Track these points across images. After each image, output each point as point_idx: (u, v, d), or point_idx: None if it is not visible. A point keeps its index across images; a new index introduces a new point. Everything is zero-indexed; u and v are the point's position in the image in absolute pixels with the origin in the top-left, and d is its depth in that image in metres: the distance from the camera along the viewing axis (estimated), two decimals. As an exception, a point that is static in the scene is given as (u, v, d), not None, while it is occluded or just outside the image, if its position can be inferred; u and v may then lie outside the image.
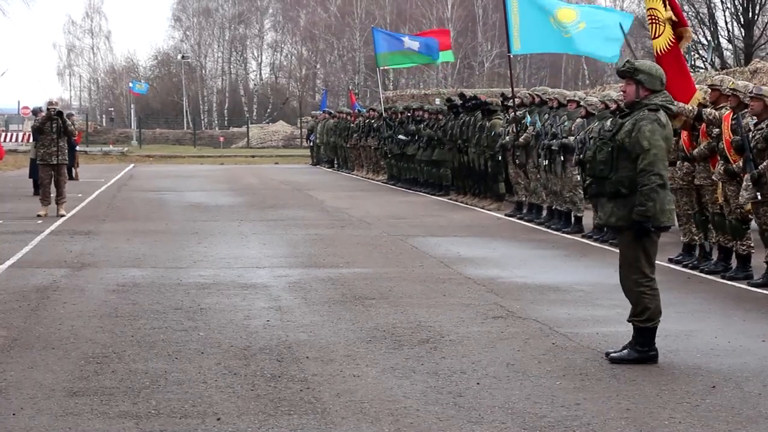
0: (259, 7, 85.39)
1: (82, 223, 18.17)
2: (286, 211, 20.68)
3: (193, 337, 8.83)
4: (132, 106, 74.79)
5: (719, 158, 11.80)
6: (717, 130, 11.78)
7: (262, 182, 30.59)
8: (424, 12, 73.92)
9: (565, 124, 16.42)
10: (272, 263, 13.26)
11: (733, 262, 12.11)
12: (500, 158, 19.83)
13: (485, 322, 9.47)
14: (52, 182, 19.57)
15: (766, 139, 11.09)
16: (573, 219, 16.66)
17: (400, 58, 30.80)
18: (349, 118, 34.75)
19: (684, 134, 12.29)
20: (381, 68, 33.86)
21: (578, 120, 15.83)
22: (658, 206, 7.85)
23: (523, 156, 18.13)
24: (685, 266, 12.75)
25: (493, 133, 19.94)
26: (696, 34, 46.04)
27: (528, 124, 17.82)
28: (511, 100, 18.83)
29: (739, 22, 48.93)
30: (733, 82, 11.86)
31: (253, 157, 50.88)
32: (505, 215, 19.20)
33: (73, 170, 28.49)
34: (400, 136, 26.38)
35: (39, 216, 18.99)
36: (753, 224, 11.87)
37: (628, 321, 8.09)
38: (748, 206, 11.42)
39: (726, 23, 51.40)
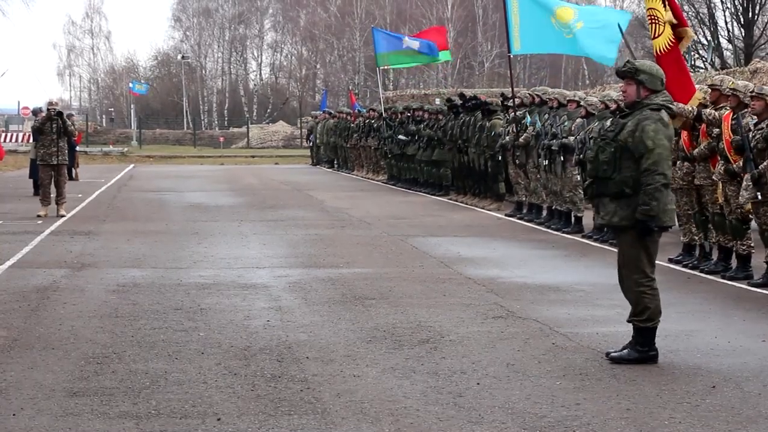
0: (259, 7, 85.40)
1: (82, 223, 18.17)
2: (286, 211, 20.68)
3: (194, 337, 8.83)
4: (132, 106, 74.80)
5: (719, 158, 11.80)
6: (717, 130, 11.78)
7: (262, 182, 30.59)
8: (424, 12, 73.93)
9: (565, 124, 16.42)
10: (272, 263, 13.26)
11: (733, 262, 12.11)
12: (500, 158, 19.83)
13: (485, 322, 9.48)
14: (52, 182, 19.57)
15: (766, 138, 11.09)
16: (573, 219, 16.66)
17: (401, 58, 30.80)
18: (349, 118, 34.75)
19: (684, 134, 12.29)
20: (381, 68, 33.87)
21: (578, 120, 15.83)
22: (662, 206, 7.86)
23: (523, 156, 18.13)
24: (685, 266, 12.75)
25: (493, 133, 19.94)
26: (696, 34, 46.02)
27: (528, 124, 17.82)
28: (511, 100, 18.83)
29: (739, 22, 48.96)
30: (733, 82, 11.86)
31: (253, 157, 50.89)
32: (505, 215, 19.20)
33: (73, 171, 28.50)
34: (400, 136, 26.38)
35: (39, 216, 18.99)
36: (753, 224, 11.87)
37: (628, 321, 8.09)
38: (748, 206, 11.42)
39: (726, 23, 51.48)
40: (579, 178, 15.31)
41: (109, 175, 33.53)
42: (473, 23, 75.38)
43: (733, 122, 11.45)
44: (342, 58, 79.87)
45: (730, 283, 11.70)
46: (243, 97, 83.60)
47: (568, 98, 16.98)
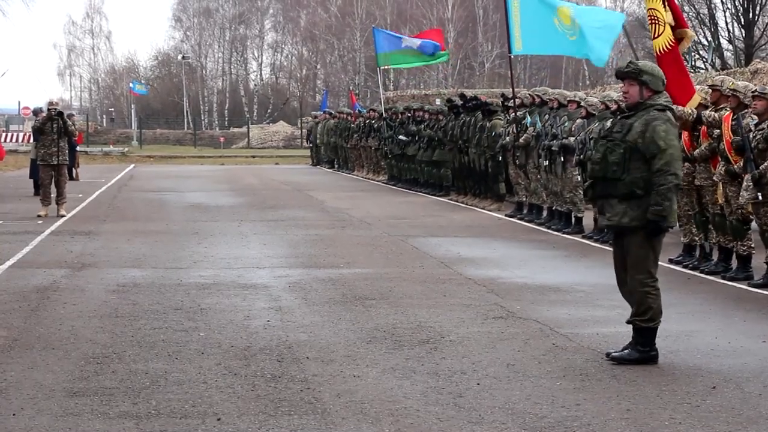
0: (259, 7, 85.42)
1: (82, 223, 18.17)
2: (287, 211, 20.68)
3: (194, 337, 8.83)
4: (132, 106, 74.84)
5: (720, 159, 11.79)
6: (717, 131, 11.78)
7: (263, 183, 30.59)
8: (424, 12, 73.94)
9: (566, 124, 16.41)
10: (272, 263, 13.26)
11: (734, 263, 12.10)
12: (500, 159, 19.83)
13: (485, 323, 9.47)
14: (53, 182, 19.57)
15: (766, 139, 11.09)
16: (573, 219, 16.65)
17: (401, 58, 30.80)
18: (349, 118, 34.75)
19: (685, 135, 12.28)
20: (381, 68, 33.88)
21: (578, 120, 15.82)
22: (673, 206, 7.89)
23: (523, 156, 18.13)
24: (685, 267, 12.75)
25: (493, 134, 19.94)
26: (696, 34, 46.03)
27: (528, 124, 17.81)
28: (512, 101, 18.83)
29: (739, 22, 48.95)
30: (733, 83, 11.86)
31: (253, 157, 50.89)
32: (506, 216, 19.20)
33: (74, 171, 28.51)
34: (401, 137, 26.38)
35: (39, 216, 18.99)
36: (753, 225, 11.87)
37: (630, 322, 8.06)
38: (749, 207, 11.42)
39: (726, 24, 51.47)
40: (579, 179, 15.31)
41: (109, 175, 33.53)
42: (474, 24, 75.38)
43: (734, 123, 11.45)
44: (342, 59, 79.88)
45: (730, 283, 11.69)
46: (243, 98, 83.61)
47: (568, 99, 16.98)
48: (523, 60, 73.13)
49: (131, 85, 72.50)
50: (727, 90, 11.70)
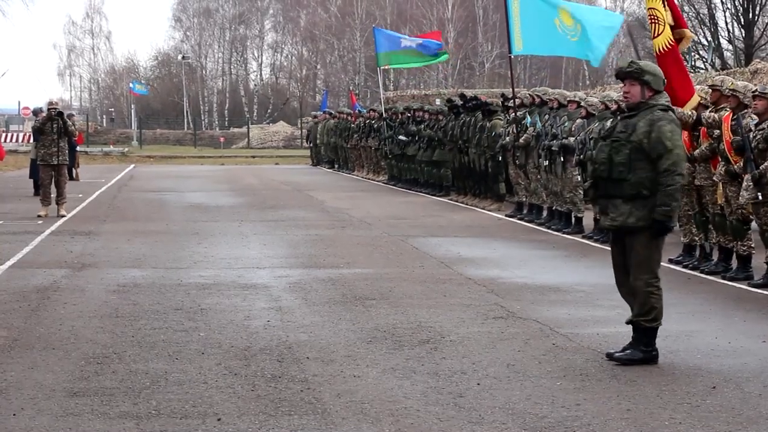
0: (259, 7, 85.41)
1: (82, 223, 18.18)
2: (287, 211, 20.68)
3: (194, 337, 8.83)
4: (132, 106, 74.82)
5: (720, 159, 11.80)
6: (717, 131, 11.78)
7: (263, 183, 30.59)
8: (424, 12, 73.92)
9: (566, 124, 16.42)
10: (273, 264, 13.26)
11: (734, 263, 12.11)
12: (500, 159, 19.83)
13: (486, 323, 9.48)
14: (53, 183, 19.58)
15: (766, 139, 11.09)
16: (573, 219, 16.66)
17: (401, 58, 30.80)
18: (349, 118, 34.76)
19: (684, 135, 12.27)
20: (382, 68, 33.88)
21: (578, 120, 15.83)
22: (679, 206, 7.92)
23: (523, 156, 18.13)
24: (685, 267, 12.75)
25: (493, 134, 19.94)
26: (696, 34, 46.01)
27: (528, 124, 17.82)
28: (512, 101, 18.83)
29: (739, 22, 48.94)
30: (733, 83, 11.86)
31: (253, 157, 50.89)
32: (506, 216, 19.21)
33: (74, 171, 28.51)
34: (401, 137, 26.38)
35: (39, 216, 19.00)
36: (753, 225, 11.87)
37: (631, 322, 8.02)
38: (749, 207, 11.42)
39: (726, 24, 51.45)
40: (579, 179, 15.31)
41: (109, 176, 33.54)
42: (474, 24, 75.37)
43: (733, 123, 11.46)
44: (342, 59, 79.87)
45: (730, 283, 11.70)
46: (243, 98, 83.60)
47: (568, 99, 16.98)
48: (523, 60, 73.11)
49: (131, 85, 72.50)
50: (727, 90, 11.70)
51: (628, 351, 7.96)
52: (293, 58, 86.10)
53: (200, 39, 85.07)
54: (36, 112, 30.28)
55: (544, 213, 17.97)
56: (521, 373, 7.64)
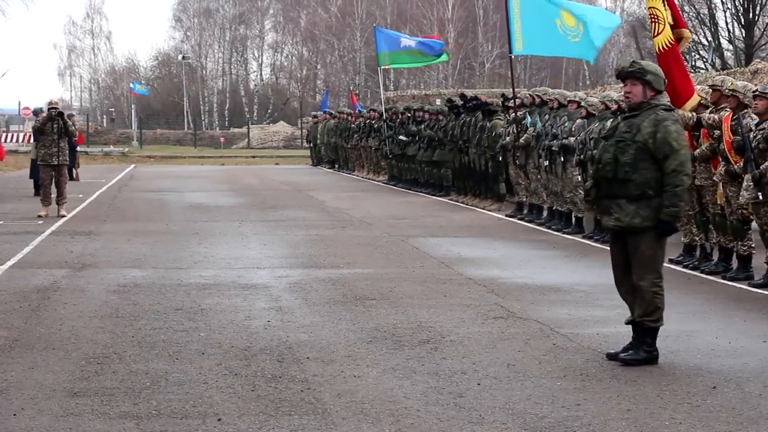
0: (259, 7, 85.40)
1: (82, 223, 18.18)
2: (287, 211, 20.68)
3: (194, 337, 8.83)
4: (133, 106, 74.83)
5: (720, 159, 11.80)
6: (718, 131, 11.79)
7: (263, 183, 30.59)
8: (424, 12, 73.92)
9: (566, 124, 16.42)
10: (273, 264, 13.27)
11: (734, 263, 12.11)
12: (501, 159, 19.83)
13: (486, 323, 9.48)
14: (53, 183, 19.58)
15: (766, 139, 11.09)
16: (573, 219, 16.66)
17: (401, 58, 30.78)
18: (349, 118, 34.76)
19: (685, 134, 12.29)
20: (382, 68, 33.86)
21: (579, 121, 15.83)
22: (685, 206, 7.92)
23: (523, 156, 18.14)
24: (685, 267, 12.75)
25: (493, 134, 19.95)
26: (696, 34, 46.03)
27: (528, 124, 17.82)
28: (512, 101, 18.83)
29: (739, 22, 48.94)
30: (733, 83, 11.87)
31: (253, 157, 50.88)
32: (506, 216, 19.21)
33: (74, 171, 28.51)
34: (401, 137, 26.38)
35: (40, 216, 19.00)
36: (754, 225, 11.87)
37: (635, 322, 7.97)
38: (749, 207, 11.42)
39: (726, 24, 51.43)
40: (579, 179, 15.31)
41: (109, 176, 33.54)
42: (474, 24, 75.36)
43: (734, 123, 11.46)
44: (342, 59, 79.87)
45: (730, 283, 11.70)
46: (243, 98, 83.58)
47: (568, 99, 16.98)
48: (523, 60, 73.10)
49: (131, 85, 72.49)
50: (727, 90, 11.70)
51: (631, 351, 7.94)
52: (293, 58, 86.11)
53: (200, 39, 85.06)
54: (36, 113, 30.30)
55: (545, 213, 17.97)
56: (521, 373, 7.64)
